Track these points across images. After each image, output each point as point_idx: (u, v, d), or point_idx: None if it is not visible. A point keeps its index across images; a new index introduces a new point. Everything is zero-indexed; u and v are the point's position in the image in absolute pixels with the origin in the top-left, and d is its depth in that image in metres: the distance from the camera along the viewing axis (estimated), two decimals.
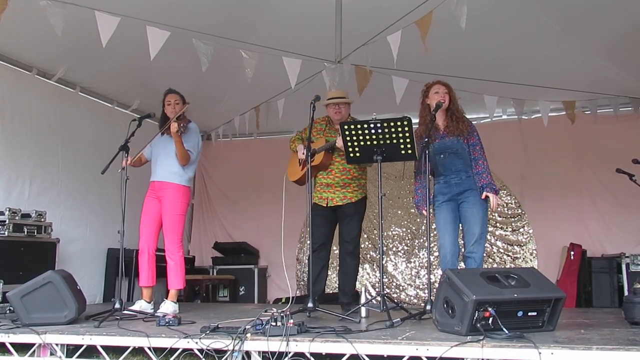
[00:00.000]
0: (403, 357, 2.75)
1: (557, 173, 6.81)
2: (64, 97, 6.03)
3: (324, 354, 2.89)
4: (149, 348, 3.09)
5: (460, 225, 4.12)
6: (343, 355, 2.82)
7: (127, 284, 6.41)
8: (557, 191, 6.78)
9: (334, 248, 4.74)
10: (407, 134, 3.86)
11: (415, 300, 7.21)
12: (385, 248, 7.28)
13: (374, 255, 7.45)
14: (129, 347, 3.18)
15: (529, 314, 3.03)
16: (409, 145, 3.90)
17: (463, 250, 4.14)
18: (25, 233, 5.10)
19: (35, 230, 5.20)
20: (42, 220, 5.33)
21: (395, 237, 7.49)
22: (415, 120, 4.04)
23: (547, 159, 6.89)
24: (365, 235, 7.49)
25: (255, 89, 6.12)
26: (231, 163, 8.12)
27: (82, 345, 3.23)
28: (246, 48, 5.11)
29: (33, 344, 3.30)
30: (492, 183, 4.02)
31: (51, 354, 3.28)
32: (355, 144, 3.99)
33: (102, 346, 3.20)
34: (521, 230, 7.07)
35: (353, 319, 3.73)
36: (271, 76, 5.52)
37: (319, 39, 5.05)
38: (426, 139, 3.88)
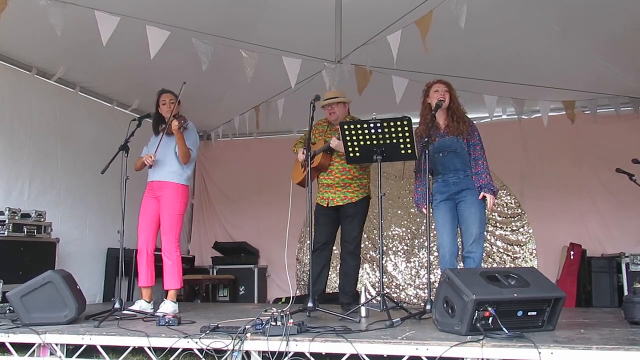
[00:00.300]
0: (403, 356, 2.74)
1: (557, 173, 6.81)
2: (63, 97, 6.02)
3: (323, 353, 2.89)
4: (149, 348, 3.08)
5: (459, 225, 4.12)
6: (343, 355, 2.82)
7: (127, 283, 6.41)
8: (557, 191, 6.78)
9: (335, 248, 4.74)
10: (407, 134, 3.86)
11: (415, 300, 7.21)
12: (385, 248, 7.28)
13: (374, 255, 7.45)
14: (128, 347, 3.18)
15: (529, 313, 3.03)
16: (408, 145, 3.90)
17: (461, 250, 4.14)
18: (25, 233, 5.10)
19: (35, 230, 5.20)
20: (42, 220, 5.32)
21: (395, 237, 7.49)
22: (415, 120, 4.04)
23: (547, 159, 6.89)
24: (365, 235, 7.48)
25: (255, 89, 6.12)
26: (231, 163, 8.12)
27: (82, 345, 3.23)
28: (246, 48, 5.11)
29: (33, 344, 3.29)
30: (491, 184, 4.01)
31: (51, 353, 3.28)
32: (355, 143, 3.99)
33: (102, 346, 3.20)
34: (521, 230, 7.07)
35: (353, 319, 3.73)
36: (271, 76, 5.52)
37: (319, 38, 5.05)
38: (426, 139, 3.88)
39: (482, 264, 4.17)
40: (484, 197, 3.99)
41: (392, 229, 7.49)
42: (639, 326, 3.29)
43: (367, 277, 7.46)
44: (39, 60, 5.59)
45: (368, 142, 3.95)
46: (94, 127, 6.34)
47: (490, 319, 2.85)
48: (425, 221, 4.07)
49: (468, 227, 4.02)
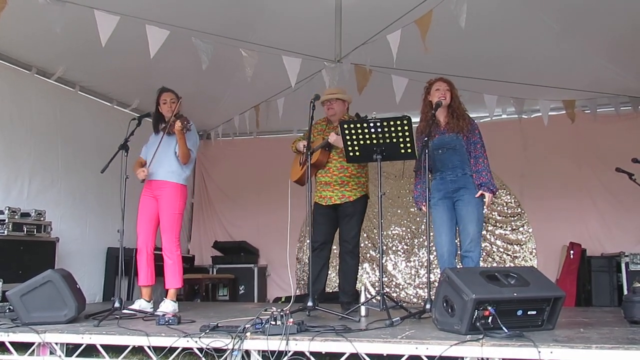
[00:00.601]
0: (403, 356, 2.75)
1: (557, 172, 6.81)
2: (63, 96, 6.02)
3: (323, 353, 2.89)
4: (149, 347, 3.09)
5: (457, 224, 4.12)
6: (343, 354, 2.82)
7: (127, 283, 6.41)
8: (557, 190, 6.78)
9: (334, 247, 4.74)
10: (406, 133, 3.87)
11: (415, 299, 7.21)
12: (385, 247, 7.27)
13: (374, 254, 7.45)
14: (128, 346, 3.18)
15: (529, 312, 3.03)
16: (408, 145, 3.90)
17: (460, 249, 4.14)
18: (25, 232, 5.10)
19: (35, 229, 5.20)
20: (42, 219, 5.32)
21: (395, 237, 7.49)
22: (414, 119, 4.04)
23: (547, 158, 6.89)
24: (365, 235, 7.50)
25: (255, 88, 6.13)
26: (231, 162, 8.12)
27: (81, 344, 3.24)
28: (246, 47, 5.10)
29: (33, 343, 3.30)
30: (491, 182, 4.01)
31: (51, 353, 3.28)
32: (355, 143, 3.99)
33: (101, 345, 3.21)
34: (521, 229, 7.07)
35: (353, 318, 3.73)
36: (271, 75, 5.52)
37: (319, 38, 5.05)
38: (425, 138, 3.88)
39: (481, 263, 4.17)
40: (482, 194, 3.99)
41: (392, 229, 7.49)
42: (639, 325, 3.29)
43: (367, 276, 7.47)
44: (39, 60, 5.58)
45: (368, 142, 3.95)
46: (93, 126, 6.34)
47: (490, 318, 2.86)
48: (425, 220, 4.07)
49: (466, 227, 4.01)
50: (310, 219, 4.35)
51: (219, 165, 8.25)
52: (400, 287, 7.36)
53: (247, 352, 2.95)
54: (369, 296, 4.04)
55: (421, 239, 7.31)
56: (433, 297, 3.38)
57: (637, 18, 4.86)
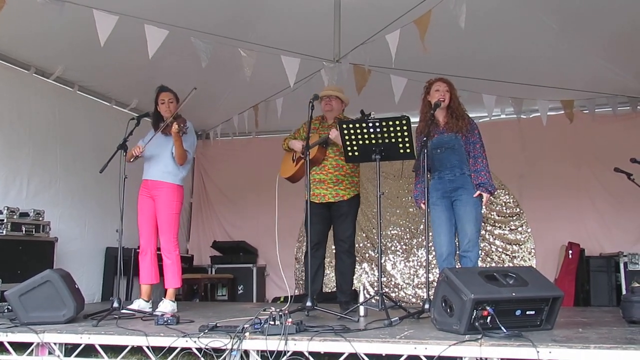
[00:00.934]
0: (401, 356, 2.75)
1: (556, 172, 6.81)
2: (62, 95, 6.01)
3: (322, 353, 2.90)
4: (148, 347, 3.09)
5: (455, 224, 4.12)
6: (341, 354, 2.82)
7: (126, 282, 6.41)
8: (556, 190, 6.78)
9: (332, 247, 4.74)
10: (405, 133, 3.87)
11: (414, 300, 7.21)
12: (383, 247, 7.28)
13: (373, 254, 7.45)
14: (127, 346, 3.18)
15: (527, 312, 3.03)
16: (407, 145, 3.90)
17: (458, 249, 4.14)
18: (24, 232, 5.09)
19: (34, 229, 5.20)
20: (40, 219, 5.32)
21: (394, 236, 7.49)
22: (414, 119, 4.04)
23: (546, 158, 6.89)
24: (364, 235, 7.50)
25: (254, 88, 6.12)
26: (230, 162, 8.11)
27: (80, 344, 3.23)
28: (245, 47, 5.10)
29: (31, 343, 3.29)
30: (490, 183, 4.01)
31: (49, 353, 3.28)
32: (354, 142, 3.99)
33: (100, 345, 3.21)
34: (519, 229, 7.07)
35: (352, 318, 3.73)
36: (270, 75, 5.51)
37: (318, 38, 5.04)
38: (424, 138, 3.89)
39: (480, 263, 4.17)
40: (480, 194, 3.99)
41: (390, 229, 7.48)
42: (637, 325, 3.30)
43: (366, 276, 7.47)
44: (38, 59, 5.57)
45: (367, 142, 3.95)
46: (92, 126, 6.33)
47: (489, 318, 2.86)
48: (423, 220, 4.07)
49: (463, 227, 4.02)
50: (307, 217, 4.34)
51: (218, 165, 8.24)
52: (399, 287, 7.36)
53: (246, 352, 2.95)
54: (367, 296, 4.04)
55: (420, 239, 7.31)
56: (432, 297, 3.38)
57: (635, 18, 4.86)
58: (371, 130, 3.90)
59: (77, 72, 5.93)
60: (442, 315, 3.09)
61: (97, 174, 4.40)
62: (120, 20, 4.31)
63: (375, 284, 7.16)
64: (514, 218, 7.12)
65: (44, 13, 4.20)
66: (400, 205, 7.50)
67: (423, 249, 7.12)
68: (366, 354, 2.79)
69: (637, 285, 3.50)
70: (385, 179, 7.32)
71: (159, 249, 4.68)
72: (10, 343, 3.33)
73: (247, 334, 2.94)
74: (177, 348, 3.06)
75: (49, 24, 4.21)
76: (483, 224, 6.96)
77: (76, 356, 3.24)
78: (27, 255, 5.06)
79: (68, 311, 3.63)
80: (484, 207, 4.08)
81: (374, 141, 3.93)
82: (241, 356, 2.92)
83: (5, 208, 5.01)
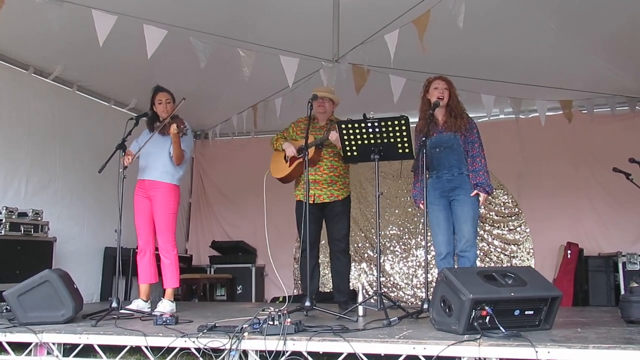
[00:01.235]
0: (400, 356, 2.75)
1: (554, 172, 6.82)
2: (60, 95, 6.00)
3: (321, 352, 2.90)
4: (146, 347, 3.09)
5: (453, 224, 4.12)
6: (340, 354, 2.82)
7: (124, 282, 6.40)
8: (554, 190, 6.79)
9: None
10: (404, 133, 3.87)
11: (413, 299, 7.21)
12: (382, 247, 7.28)
13: (372, 254, 7.45)
14: (126, 346, 3.18)
15: (526, 312, 3.03)
16: (406, 145, 3.90)
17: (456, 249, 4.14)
18: (22, 232, 5.08)
19: (32, 229, 5.19)
20: (39, 219, 5.31)
21: (393, 237, 7.49)
22: (412, 119, 4.04)
23: (544, 158, 6.90)
24: (363, 234, 7.50)
25: (252, 88, 6.12)
26: (229, 162, 8.11)
27: (79, 345, 3.23)
28: (244, 47, 5.10)
29: (30, 343, 3.29)
30: (488, 182, 4.01)
31: (48, 353, 3.28)
32: (353, 142, 4.00)
33: (99, 345, 3.21)
34: (518, 229, 7.08)
35: (350, 318, 3.74)
36: (269, 75, 5.52)
37: (317, 37, 5.05)
38: (423, 138, 3.89)
39: (479, 263, 4.17)
40: (477, 194, 3.99)
41: (389, 229, 7.48)
42: (636, 325, 3.30)
43: (364, 276, 7.47)
44: (36, 59, 5.57)
45: (366, 142, 3.96)
46: (91, 126, 6.32)
47: (488, 318, 2.86)
48: (422, 220, 4.07)
49: (461, 227, 4.02)
50: (305, 218, 4.33)
51: (216, 164, 8.24)
52: (398, 287, 7.36)
53: (245, 352, 2.95)
54: (366, 296, 4.04)
55: (418, 239, 7.31)
56: (431, 297, 3.38)
57: (634, 18, 4.87)
58: (370, 130, 3.90)
59: (75, 72, 5.92)
60: (440, 315, 3.09)
61: (96, 174, 4.38)
62: (119, 20, 4.31)
63: (374, 283, 7.15)
64: (513, 218, 7.12)
65: (42, 13, 4.19)
66: (399, 205, 7.50)
67: (422, 249, 7.12)
68: (365, 354, 2.79)
69: (636, 285, 3.50)
70: (384, 179, 7.32)
71: (157, 249, 4.67)
72: (9, 343, 3.33)
73: (245, 334, 2.94)
74: (175, 348, 3.05)
75: (47, 24, 4.19)
76: (482, 223, 6.98)
77: (75, 356, 3.23)
78: (25, 255, 5.06)
79: (67, 311, 3.62)
80: (481, 207, 4.08)
81: (372, 141, 3.93)
82: (240, 356, 2.92)
83: (4, 208, 5.01)
